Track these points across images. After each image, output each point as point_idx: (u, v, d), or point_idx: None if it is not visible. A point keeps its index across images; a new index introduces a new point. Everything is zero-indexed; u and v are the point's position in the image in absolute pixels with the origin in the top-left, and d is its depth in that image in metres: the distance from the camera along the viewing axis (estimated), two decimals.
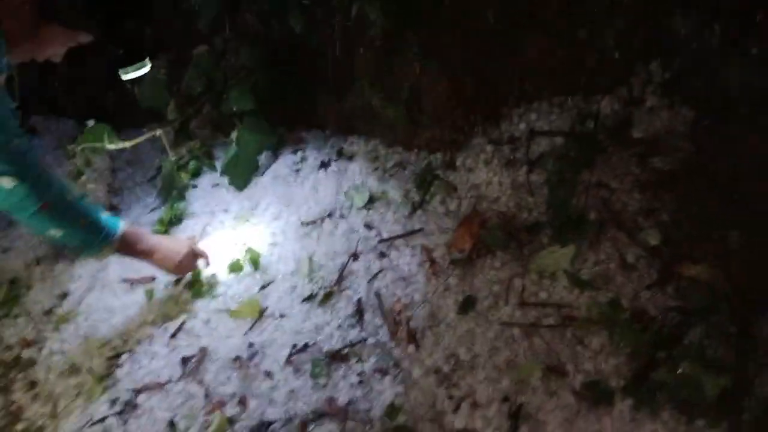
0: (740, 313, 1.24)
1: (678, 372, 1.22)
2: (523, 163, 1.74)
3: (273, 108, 2.10)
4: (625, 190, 1.56)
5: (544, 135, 1.76)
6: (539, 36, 1.72)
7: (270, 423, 1.44)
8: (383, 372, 1.48)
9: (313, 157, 2.13)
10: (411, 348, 1.51)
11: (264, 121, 2.12)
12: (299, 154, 2.16)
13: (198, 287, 1.84)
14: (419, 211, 1.82)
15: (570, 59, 1.75)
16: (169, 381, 1.60)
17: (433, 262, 1.67)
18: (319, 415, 1.43)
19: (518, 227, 1.63)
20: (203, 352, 1.67)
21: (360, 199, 1.93)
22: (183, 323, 1.74)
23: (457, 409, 1.36)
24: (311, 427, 1.41)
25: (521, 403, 1.34)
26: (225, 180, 2.12)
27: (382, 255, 1.74)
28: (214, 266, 1.87)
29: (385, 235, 1.79)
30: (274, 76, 2.06)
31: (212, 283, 1.85)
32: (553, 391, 1.34)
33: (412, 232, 1.77)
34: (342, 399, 1.45)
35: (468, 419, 1.34)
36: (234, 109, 2.08)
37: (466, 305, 1.54)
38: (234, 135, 2.07)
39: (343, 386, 1.48)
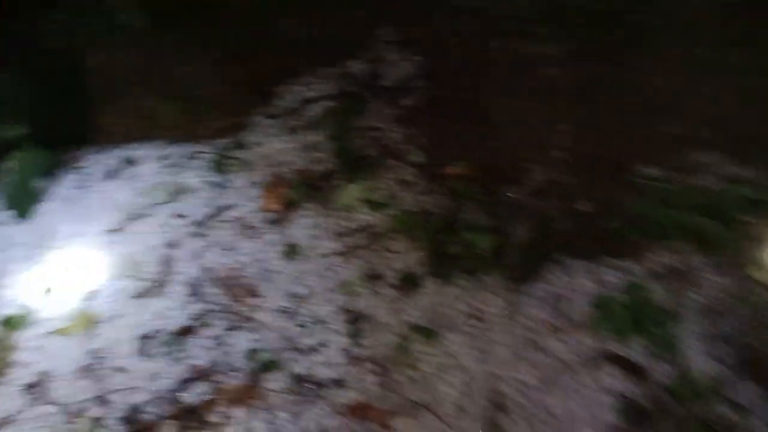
0: (491, 189, 1.67)
1: (460, 241, 1.61)
2: (303, 127, 2.02)
3: (45, 130, 2.07)
4: (389, 127, 1.93)
5: (315, 101, 2.06)
6: (292, 17, 2.01)
7: (138, 405, 1.52)
8: (234, 328, 1.65)
9: (98, 171, 2.15)
10: (253, 300, 1.70)
11: (39, 145, 2.08)
12: (83, 171, 2.16)
13: (14, 321, 1.79)
14: (224, 191, 1.99)
15: (324, 34, 2.08)
16: (20, 412, 1.57)
17: (250, 227, 1.86)
18: (185, 381, 1.55)
19: (315, 179, 1.91)
20: (44, 375, 1.65)
21: (161, 195, 2.03)
22: (10, 360, 1.69)
23: (306, 330, 1.59)
24: (182, 394, 1.53)
25: (355, 309, 1.62)
26: (9, 214, 2.04)
27: (201, 236, 1.88)
28: (28, 295, 1.83)
29: (198, 219, 1.93)
30: (40, 97, 2.04)
31: (27, 312, 1.80)
32: (376, 292, 1.64)
33: (223, 209, 1.94)
34: (203, 362, 1.59)
35: (318, 336, 1.58)
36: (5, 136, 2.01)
37: (290, 252, 1.77)
38: (9, 164, 2.01)
39: (201, 352, 1.61)
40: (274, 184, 1.94)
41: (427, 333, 1.57)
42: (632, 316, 1.52)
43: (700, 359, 1.48)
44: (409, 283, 1.65)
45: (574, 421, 1.44)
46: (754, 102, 1.72)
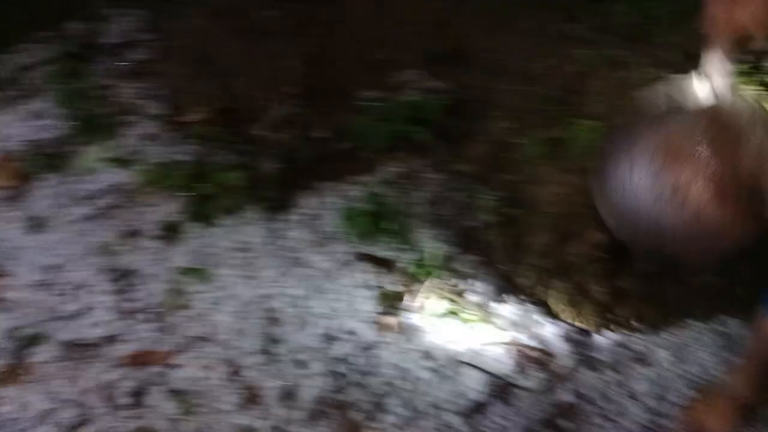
0: (235, 130, 1.79)
1: (214, 183, 1.70)
2: (26, 96, 1.91)
3: None
4: (121, 84, 1.91)
5: (35, 67, 1.96)
6: None
7: None
8: None
9: None
10: (1, 282, 1.60)
11: None
12: None
13: None
14: None
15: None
16: None
17: None
18: None
19: (49, 147, 1.83)
20: None
21: None
22: None
23: (68, 297, 1.57)
24: None
25: (118, 267, 1.63)
26: None
27: None
28: None
29: None
30: None
31: None
32: (138, 247, 1.67)
33: None
34: None
35: (82, 300, 1.57)
36: None
37: (34, 225, 1.69)
38: None
39: None
40: (3, 160, 1.81)
41: (196, 273, 1.64)
42: (373, 220, 1.77)
43: (430, 243, 1.78)
44: (170, 232, 1.70)
45: (340, 317, 1.65)
46: (445, 25, 2.04)
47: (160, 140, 1.82)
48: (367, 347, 1.63)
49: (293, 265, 1.71)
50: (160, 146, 1.81)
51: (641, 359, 1.83)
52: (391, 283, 1.73)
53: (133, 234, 1.68)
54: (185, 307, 1.60)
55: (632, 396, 1.72)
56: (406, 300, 1.71)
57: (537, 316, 1.80)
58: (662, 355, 1.86)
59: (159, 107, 1.86)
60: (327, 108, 1.86)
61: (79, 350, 1.49)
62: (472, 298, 1.76)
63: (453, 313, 1.72)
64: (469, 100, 1.85)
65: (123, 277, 1.61)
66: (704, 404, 1.51)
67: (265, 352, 1.55)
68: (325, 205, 1.81)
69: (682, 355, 1.86)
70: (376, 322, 1.66)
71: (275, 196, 1.79)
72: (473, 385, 1.62)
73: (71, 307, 1.56)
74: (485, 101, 1.82)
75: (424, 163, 1.85)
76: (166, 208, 1.74)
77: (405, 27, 1.99)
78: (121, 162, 1.78)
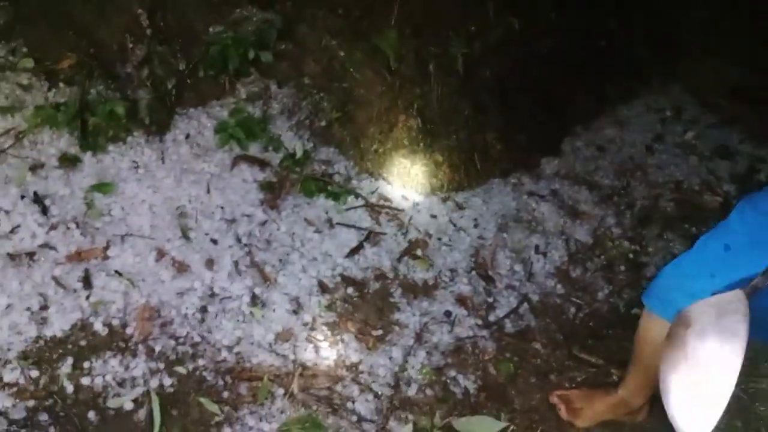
0: (108, 69, 2.05)
1: (99, 116, 1.97)
2: None
3: None
4: None
5: None
6: None
7: None
8: None
9: None
10: None
11: None
12: None
13: None
14: None
15: None
16: None
17: None
18: None
19: None
20: None
21: None
22: None
23: None
24: None
25: (32, 193, 1.84)
26: None
27: None
28: None
29: None
30: None
31: None
32: (45, 176, 1.89)
33: None
34: None
35: (7, 224, 1.76)
36: None
37: None
38: None
39: None
40: None
41: (106, 188, 1.91)
42: (243, 129, 2.17)
43: (293, 141, 2.24)
44: (69, 162, 1.93)
45: (236, 205, 2.04)
46: None
47: (38, 88, 2.00)
48: (262, 223, 2.05)
49: (187, 174, 2.05)
50: (39, 92, 2.00)
51: (459, 205, 2.50)
52: (268, 176, 2.16)
53: (38, 167, 1.88)
54: (103, 214, 1.87)
55: (458, 228, 2.37)
56: (286, 186, 2.15)
57: (385, 184, 2.37)
58: (476, 201, 2.54)
59: (28, 60, 2.03)
60: (182, 44, 2.20)
61: (25, 258, 1.70)
62: (335, 178, 2.26)
63: (322, 191, 2.21)
64: (297, 25, 2.31)
65: (40, 201, 1.82)
66: (585, 395, 1.65)
67: (183, 237, 1.90)
68: (200, 124, 2.17)
69: (488, 201, 2.57)
70: (264, 205, 2.09)
71: (154, 122, 2.10)
72: (348, 237, 2.13)
73: (4, 227, 1.74)
74: (311, 23, 2.29)
75: (272, 81, 2.29)
76: (60, 143, 1.96)
77: None
78: (4, 110, 1.94)
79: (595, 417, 1.73)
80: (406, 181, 2.40)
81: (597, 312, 2.17)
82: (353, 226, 2.16)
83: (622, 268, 2.34)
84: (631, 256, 2.39)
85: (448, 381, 1.82)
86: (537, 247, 2.37)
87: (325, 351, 1.80)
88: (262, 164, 2.17)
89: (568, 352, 1.99)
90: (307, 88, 2.30)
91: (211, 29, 2.24)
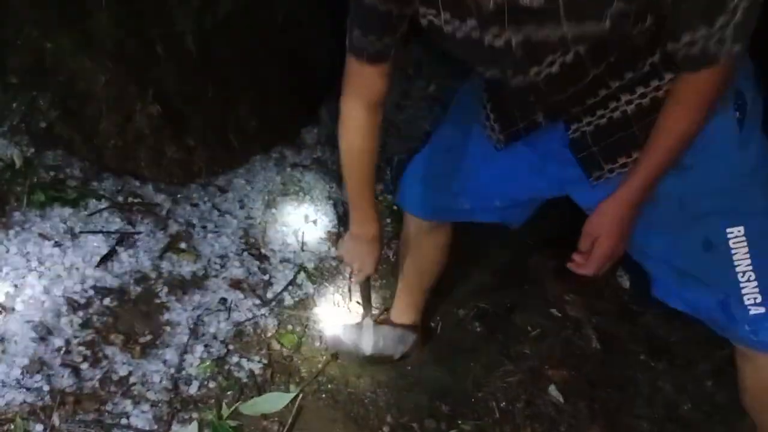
0: None
1: None
2: None
3: None
4: None
5: None
6: None
7: None
8: None
9: None
10: None
11: None
12: None
13: None
14: None
15: None
16: None
17: None
18: None
19: None
20: None
21: None
22: None
23: None
24: None
25: None
26: None
27: None
28: None
29: None
30: None
31: None
32: None
33: None
34: None
35: None
36: None
37: None
38: None
39: None
40: None
41: None
42: None
43: (9, 149, 1.95)
44: None
45: None
46: None
47: None
48: None
49: None
50: None
51: (222, 189, 2.41)
52: None
53: None
54: None
55: (223, 212, 2.29)
56: (10, 201, 1.88)
57: (133, 180, 2.18)
58: (239, 182, 2.47)
59: None
60: None
61: None
62: (70, 182, 2.03)
63: (56, 199, 1.96)
64: None
65: None
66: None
67: None
68: None
69: (252, 179, 2.51)
70: None
71: None
72: (96, 245, 1.93)
73: None
74: (4, 13, 1.99)
75: None
76: None
77: None
78: None
79: None
80: (157, 172, 2.25)
81: None
82: (101, 232, 1.96)
83: (389, 220, 2.46)
84: (395, 208, 2.52)
85: (232, 368, 1.75)
86: (306, 217, 2.38)
87: (87, 372, 1.62)
88: None
89: (347, 307, 2.04)
90: (15, 87, 2.02)
91: None
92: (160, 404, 1.61)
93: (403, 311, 1.90)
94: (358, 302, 2.06)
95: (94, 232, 1.94)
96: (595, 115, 1.24)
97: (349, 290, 2.11)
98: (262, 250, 2.19)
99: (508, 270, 2.38)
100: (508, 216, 1.62)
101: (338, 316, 2.01)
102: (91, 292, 1.79)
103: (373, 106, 1.38)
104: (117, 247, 1.93)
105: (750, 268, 1.25)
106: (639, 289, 2.30)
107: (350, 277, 2.09)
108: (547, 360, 2.00)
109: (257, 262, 2.12)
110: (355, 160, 1.47)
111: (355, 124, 1.40)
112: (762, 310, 1.26)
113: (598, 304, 2.29)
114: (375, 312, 1.95)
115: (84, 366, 1.63)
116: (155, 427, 1.56)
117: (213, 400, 1.66)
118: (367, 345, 1.78)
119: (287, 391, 1.73)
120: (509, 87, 1.25)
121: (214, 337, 1.82)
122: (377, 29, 1.24)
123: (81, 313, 1.73)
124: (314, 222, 2.38)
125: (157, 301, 1.86)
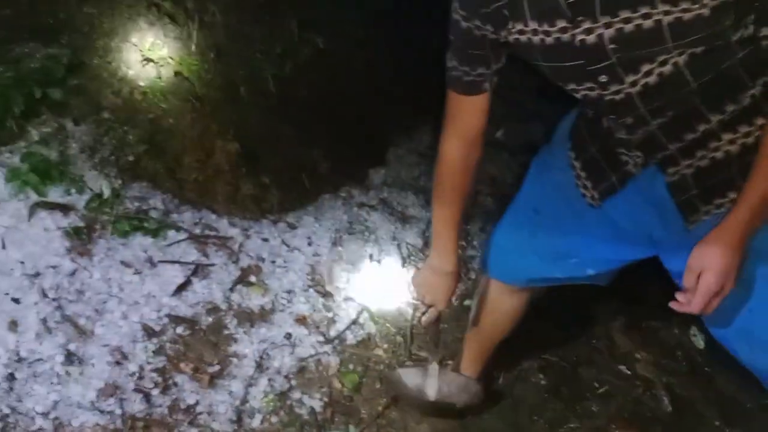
0: None
1: None
2: None
3: None
4: None
5: None
6: None
7: None
8: None
9: None
10: None
11: None
12: None
13: None
14: None
15: None
16: None
17: None
18: None
19: None
20: None
21: None
22: None
23: None
24: None
25: None
26: None
27: None
28: None
29: None
30: None
31: None
32: None
33: None
34: None
35: None
36: None
37: None
38: None
39: None
40: None
41: None
42: (38, 174, 1.97)
43: (99, 180, 2.08)
44: None
45: (38, 258, 1.85)
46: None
47: None
48: (71, 273, 1.87)
49: None
50: None
51: (291, 225, 2.48)
52: (73, 221, 1.98)
53: None
54: None
55: (292, 248, 2.35)
56: (97, 229, 1.99)
57: (209, 214, 2.28)
58: (308, 219, 2.53)
59: None
60: None
61: None
62: (152, 213, 2.13)
63: (138, 228, 2.07)
64: (88, 57, 2.16)
65: None
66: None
67: None
68: None
69: (320, 217, 2.57)
70: (72, 253, 1.91)
71: None
72: (173, 274, 2.01)
73: None
74: (102, 55, 2.16)
75: (67, 119, 2.11)
76: None
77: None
78: None
79: None
80: (232, 207, 2.34)
81: None
82: (178, 262, 2.05)
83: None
84: (459, 252, 2.51)
85: (293, 404, 1.78)
86: (371, 256, 2.41)
87: (157, 399, 1.68)
88: (65, 209, 1.98)
89: (408, 353, 2.04)
90: (108, 122, 2.16)
91: None
92: None
93: (471, 363, 1.85)
94: (420, 346, 2.06)
95: (171, 262, 2.03)
96: (695, 157, 1.21)
97: (411, 334, 2.11)
98: (327, 288, 2.22)
99: (575, 323, 2.32)
100: (598, 279, 1.57)
101: (399, 358, 2.01)
102: (166, 320, 1.87)
103: (470, 141, 1.39)
104: (192, 278, 2.01)
105: None
106: (714, 349, 2.19)
107: (422, 313, 2.03)
108: (615, 419, 1.93)
109: (322, 299, 2.16)
110: (447, 193, 1.47)
111: (451, 158, 1.42)
112: None
113: (670, 363, 2.20)
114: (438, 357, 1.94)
115: (155, 392, 1.69)
116: None
117: None
118: (432, 390, 1.75)
119: (347, 431, 1.73)
120: (603, 110, 1.22)
121: (278, 372, 1.85)
122: (472, 59, 1.27)
123: (155, 340, 1.80)
124: (378, 261, 2.40)
125: (226, 332, 1.92)
